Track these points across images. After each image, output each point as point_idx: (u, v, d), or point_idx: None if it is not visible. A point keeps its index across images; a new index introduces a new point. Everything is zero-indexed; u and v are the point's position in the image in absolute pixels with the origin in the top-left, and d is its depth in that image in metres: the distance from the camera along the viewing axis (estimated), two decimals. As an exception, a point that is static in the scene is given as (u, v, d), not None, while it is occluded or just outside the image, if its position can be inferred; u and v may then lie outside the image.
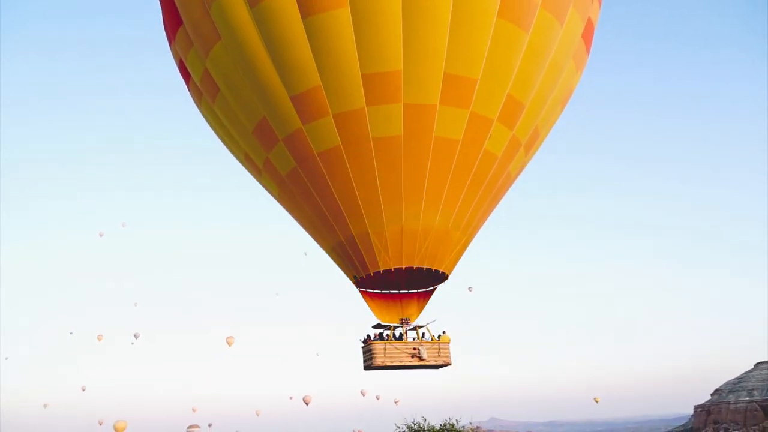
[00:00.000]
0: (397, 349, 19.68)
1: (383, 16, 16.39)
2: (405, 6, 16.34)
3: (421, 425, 20.24)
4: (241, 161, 21.93)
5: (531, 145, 20.76)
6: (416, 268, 19.12)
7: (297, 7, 16.52)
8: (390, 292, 21.11)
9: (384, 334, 20.35)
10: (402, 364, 19.72)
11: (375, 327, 20.67)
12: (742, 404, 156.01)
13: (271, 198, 22.05)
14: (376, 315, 20.65)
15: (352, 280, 20.49)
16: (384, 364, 19.52)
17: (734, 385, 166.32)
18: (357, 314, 21.08)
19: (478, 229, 21.12)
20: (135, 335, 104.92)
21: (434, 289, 21.36)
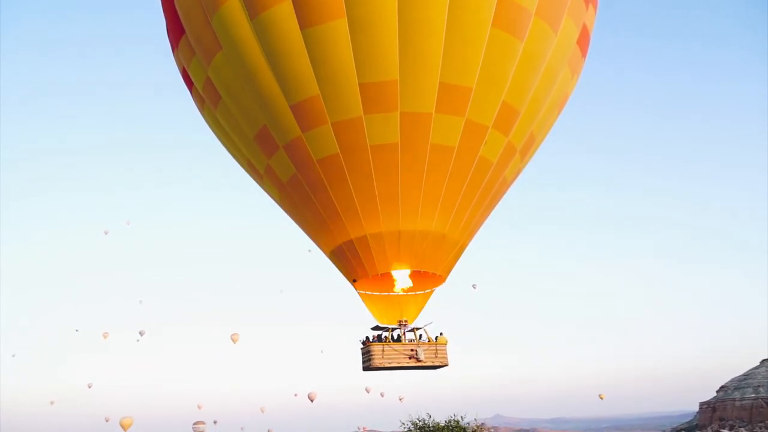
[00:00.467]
0: (395, 350, 20.19)
1: (379, 27, 16.84)
2: (401, 17, 16.76)
3: (426, 422, 20.63)
4: (243, 166, 22.48)
5: (527, 150, 21.18)
6: (413, 271, 19.62)
7: (295, 19, 16.98)
8: (389, 294, 21.60)
9: (382, 336, 20.84)
10: (400, 365, 20.24)
11: (374, 329, 21.18)
12: (747, 401, 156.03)
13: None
14: (375, 317, 21.18)
15: (351, 282, 21.00)
16: (382, 365, 20.04)
17: (740, 382, 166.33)
18: (358, 314, 21.56)
19: (475, 232, 21.59)
20: (140, 332, 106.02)
21: (432, 291, 21.83)
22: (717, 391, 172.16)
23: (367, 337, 21.07)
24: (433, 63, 17.32)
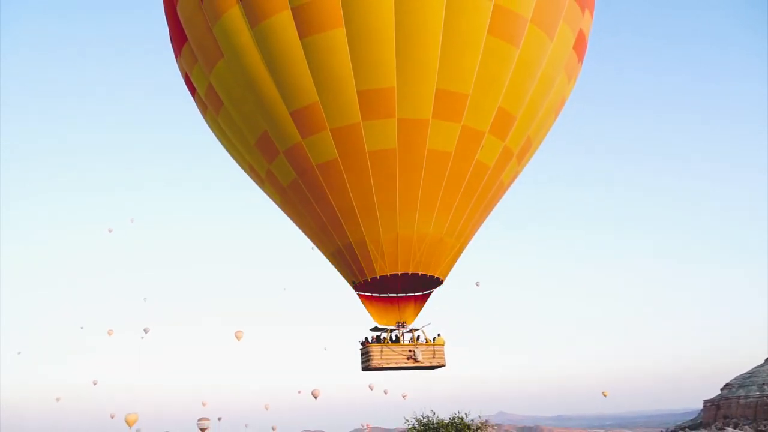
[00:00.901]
0: (394, 351, 20.57)
1: (377, 35, 17.20)
2: (397, 26, 17.13)
3: (430, 419, 20.88)
4: (245, 170, 22.86)
5: (524, 154, 21.48)
6: (411, 273, 19.98)
7: (295, 28, 17.39)
8: (388, 296, 21.96)
9: (381, 337, 21.22)
10: (398, 365, 20.60)
11: (373, 330, 21.55)
12: (752, 399, 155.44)
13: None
14: (374, 318, 21.55)
15: (351, 284, 21.38)
16: (381, 366, 20.42)
17: (744, 380, 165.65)
18: (359, 313, 21.90)
19: (472, 235, 21.91)
20: (145, 330, 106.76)
21: (430, 293, 22.19)
22: (721, 389, 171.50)
23: (366, 338, 21.46)
24: (429, 70, 17.67)
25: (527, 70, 19.05)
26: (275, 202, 22.56)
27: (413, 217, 19.33)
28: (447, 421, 20.50)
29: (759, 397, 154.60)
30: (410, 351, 20.61)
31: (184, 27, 20.05)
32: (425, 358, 20.65)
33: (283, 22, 17.38)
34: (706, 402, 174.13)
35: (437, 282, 21.33)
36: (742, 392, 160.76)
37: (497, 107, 18.95)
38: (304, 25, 17.30)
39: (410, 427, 20.96)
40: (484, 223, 22.74)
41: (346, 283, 21.80)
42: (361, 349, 21.39)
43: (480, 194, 20.25)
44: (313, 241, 22.09)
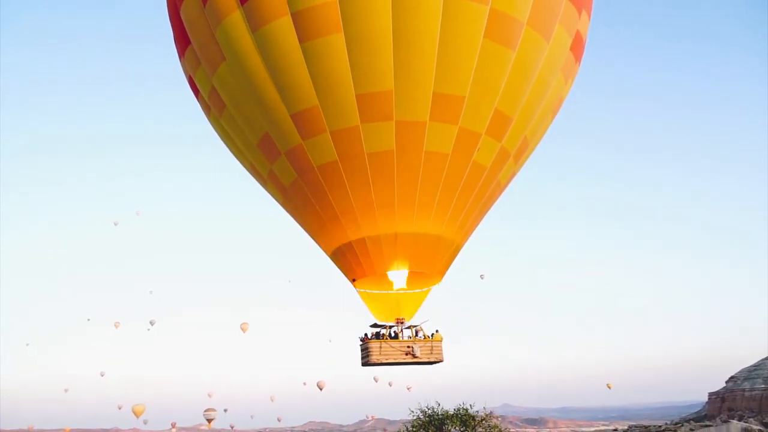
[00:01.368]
0: (392, 347, 21.12)
1: (375, 40, 17.61)
2: (395, 31, 17.52)
3: (435, 410, 21.26)
4: (248, 170, 23.39)
5: (520, 154, 21.87)
6: (410, 271, 20.47)
7: (295, 33, 17.81)
8: (387, 293, 22.45)
9: (380, 333, 21.75)
10: (397, 361, 21.15)
11: (372, 326, 22.09)
12: (757, 392, 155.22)
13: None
14: (374, 314, 22.08)
15: (350, 281, 21.89)
16: (380, 361, 20.99)
17: (750, 373, 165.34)
18: (360, 310, 22.38)
19: (470, 234, 22.37)
20: (151, 322, 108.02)
21: (429, 290, 22.67)
22: (726, 382, 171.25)
23: (366, 334, 22.01)
24: (426, 74, 18.07)
25: (523, 73, 19.39)
26: (277, 201, 23.08)
27: (411, 217, 19.81)
28: (452, 413, 20.92)
29: (764, 390, 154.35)
30: (409, 347, 21.15)
31: (187, 30, 20.50)
32: (423, 354, 21.18)
33: (283, 27, 17.80)
34: (710, 394, 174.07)
35: (435, 279, 21.79)
36: (747, 385, 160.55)
37: (494, 109, 19.32)
38: (304, 30, 17.72)
39: (415, 418, 21.41)
40: (485, 220, 23.23)
41: (346, 280, 22.30)
42: (360, 345, 21.97)
43: (477, 194, 20.68)
44: (314, 239, 22.60)
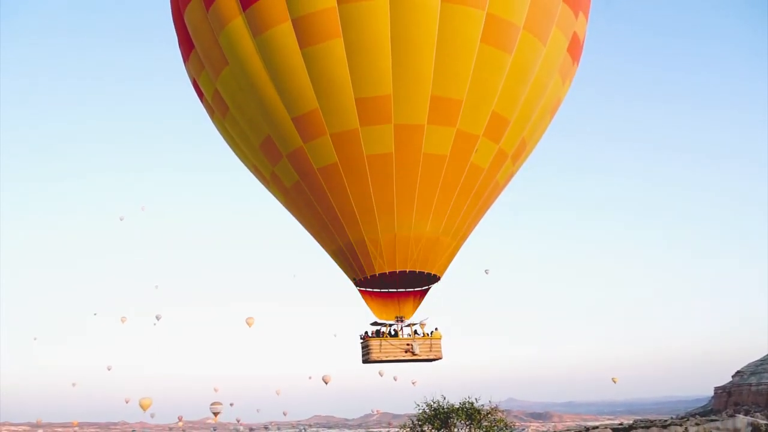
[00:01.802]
0: (392, 345, 21.59)
1: (373, 45, 18.01)
2: (393, 36, 17.91)
3: (441, 404, 21.49)
4: (251, 170, 23.85)
5: (518, 155, 22.20)
6: (409, 271, 20.88)
7: (295, 39, 18.25)
8: (387, 291, 22.89)
9: (380, 331, 22.19)
10: (397, 358, 21.60)
11: (373, 324, 22.53)
12: (764, 386, 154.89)
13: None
14: (374, 313, 22.53)
15: (351, 281, 22.34)
16: (380, 359, 21.45)
17: (756, 367, 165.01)
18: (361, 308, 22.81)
19: (469, 233, 22.75)
20: (157, 317, 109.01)
21: (428, 288, 23.10)
22: (733, 376, 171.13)
23: (366, 332, 22.46)
24: (424, 78, 18.45)
25: (520, 76, 19.72)
26: (280, 202, 23.53)
27: (410, 218, 20.21)
28: (457, 407, 21.16)
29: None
30: (408, 344, 21.59)
31: (191, 35, 20.94)
32: (422, 351, 21.62)
33: (284, 33, 18.22)
34: (717, 389, 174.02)
35: (434, 278, 22.20)
36: (753, 379, 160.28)
37: (491, 112, 19.68)
38: (304, 35, 18.14)
39: (420, 411, 21.67)
40: (491, 216, 23.65)
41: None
42: (361, 343, 22.41)
43: (475, 195, 21.06)
44: (316, 239, 23.06)
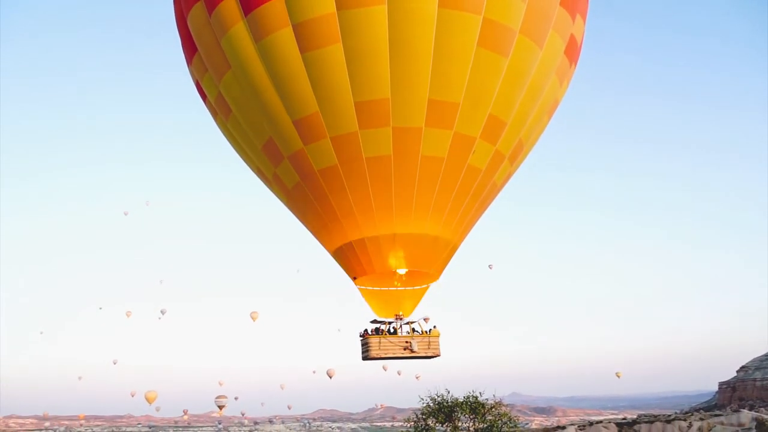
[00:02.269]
0: (391, 342, 22.07)
1: (372, 51, 18.39)
2: (391, 41, 18.28)
3: (445, 397, 21.87)
4: (253, 171, 24.33)
5: (516, 156, 22.58)
6: (408, 270, 21.36)
7: (296, 44, 18.64)
8: (387, 289, 23.34)
9: (379, 329, 22.66)
10: (395, 355, 22.09)
11: (372, 322, 23.00)
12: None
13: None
14: (374, 311, 23.03)
15: (352, 279, 22.82)
16: (379, 356, 21.96)
17: (761, 362, 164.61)
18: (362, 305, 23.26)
19: (467, 233, 23.19)
20: (162, 311, 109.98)
21: (427, 287, 23.54)
22: (737, 371, 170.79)
23: (366, 330, 22.94)
24: (421, 82, 18.84)
25: (517, 78, 20.05)
26: (282, 201, 24.00)
27: (409, 218, 20.66)
28: (462, 401, 21.47)
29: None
30: (407, 342, 22.06)
31: (194, 38, 21.37)
32: (421, 349, 22.07)
33: (285, 38, 18.62)
34: (721, 384, 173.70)
35: (433, 277, 22.65)
36: (758, 374, 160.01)
37: (488, 114, 20.03)
38: (304, 41, 18.53)
39: (424, 405, 22.01)
40: (494, 212, 24.01)
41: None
42: (361, 340, 22.90)
43: (472, 196, 21.47)
44: (317, 238, 23.54)
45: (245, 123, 21.48)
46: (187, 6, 20.95)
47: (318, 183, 20.80)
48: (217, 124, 23.90)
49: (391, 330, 22.59)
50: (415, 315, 23.19)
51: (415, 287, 23.61)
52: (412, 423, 22.03)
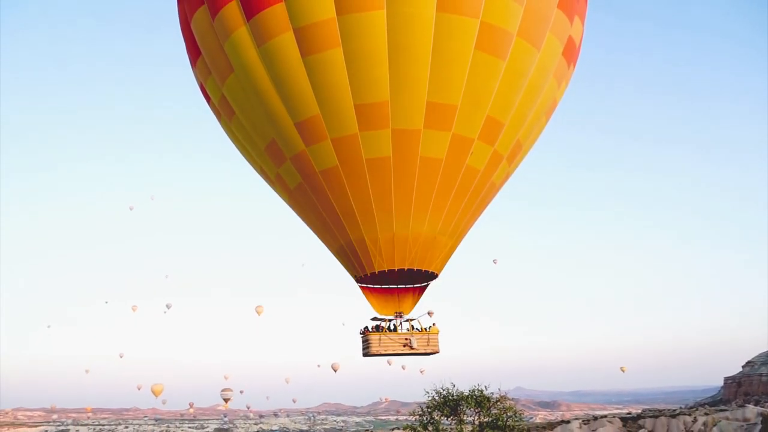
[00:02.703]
0: (391, 339, 22.51)
1: (371, 54, 18.78)
2: (390, 45, 18.65)
3: (450, 391, 22.14)
4: (256, 171, 24.74)
5: (514, 156, 22.90)
6: (407, 269, 21.73)
7: (297, 48, 19.06)
8: (387, 288, 23.76)
9: (380, 326, 23.10)
10: (395, 352, 22.53)
11: (373, 319, 23.45)
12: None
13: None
14: (375, 308, 23.45)
15: (353, 277, 23.25)
16: (379, 353, 22.40)
17: (767, 358, 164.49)
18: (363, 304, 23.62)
19: (466, 232, 23.55)
20: (167, 305, 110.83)
21: (426, 285, 23.94)
22: (743, 366, 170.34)
23: (366, 327, 23.39)
24: (420, 85, 19.21)
25: (514, 80, 20.36)
26: (284, 201, 24.42)
27: (408, 218, 21.03)
28: (467, 394, 21.70)
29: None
30: (406, 339, 22.49)
31: (198, 42, 21.77)
32: (420, 346, 22.50)
33: (286, 42, 19.02)
34: (726, 379, 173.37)
35: (432, 276, 23.04)
36: (764, 370, 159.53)
37: (485, 116, 20.37)
38: (305, 45, 18.93)
39: (430, 398, 22.26)
40: (497, 209, 24.27)
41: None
42: (361, 337, 23.35)
43: (471, 196, 21.82)
44: (319, 237, 23.96)
45: (248, 125, 21.89)
46: (191, 10, 21.35)
47: (319, 183, 21.21)
48: (221, 125, 24.31)
49: (392, 327, 23.02)
50: (415, 313, 23.65)
51: (415, 286, 24.05)
52: (418, 416, 22.25)
